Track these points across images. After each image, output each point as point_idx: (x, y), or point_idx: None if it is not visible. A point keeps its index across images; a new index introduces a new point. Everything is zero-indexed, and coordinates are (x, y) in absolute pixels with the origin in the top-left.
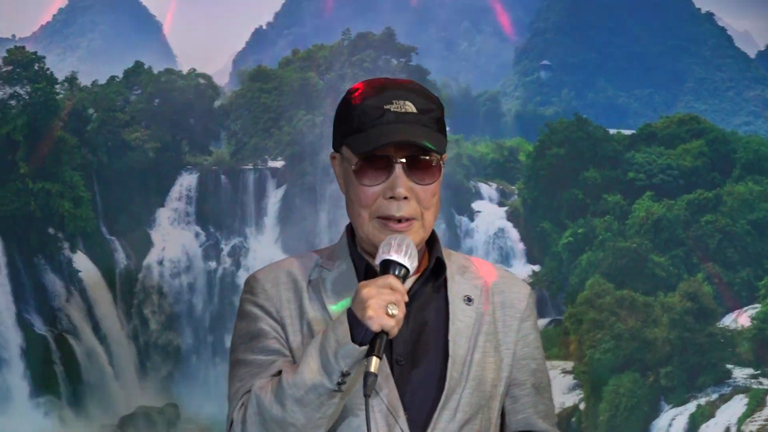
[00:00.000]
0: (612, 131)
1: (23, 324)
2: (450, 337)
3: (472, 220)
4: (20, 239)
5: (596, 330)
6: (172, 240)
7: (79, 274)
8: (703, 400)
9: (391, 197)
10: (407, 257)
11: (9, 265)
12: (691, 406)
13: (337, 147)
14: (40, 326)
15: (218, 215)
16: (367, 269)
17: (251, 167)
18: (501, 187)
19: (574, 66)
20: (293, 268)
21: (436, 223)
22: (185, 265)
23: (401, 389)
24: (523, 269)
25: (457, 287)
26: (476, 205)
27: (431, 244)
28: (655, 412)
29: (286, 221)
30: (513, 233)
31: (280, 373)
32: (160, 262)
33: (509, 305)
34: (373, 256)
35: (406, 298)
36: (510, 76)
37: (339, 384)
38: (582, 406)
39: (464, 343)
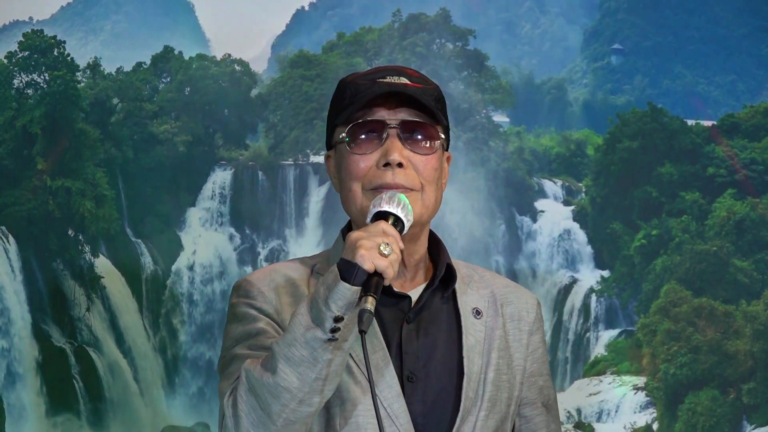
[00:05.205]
0: (690, 122)
1: (40, 335)
2: (464, 353)
3: (534, 220)
4: (37, 242)
5: (672, 342)
6: (204, 243)
7: (102, 280)
8: None
9: (385, 164)
10: (400, 208)
11: (24, 270)
12: None
13: (329, 139)
14: (58, 338)
15: (255, 215)
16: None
17: (291, 162)
18: (567, 184)
19: (649, 50)
20: (290, 272)
21: (496, 223)
22: (218, 271)
23: (413, 410)
24: (591, 274)
25: (466, 299)
26: (539, 204)
27: (436, 250)
28: None
29: (329, 222)
30: (580, 235)
31: None
32: (191, 267)
33: (518, 317)
34: None
35: (401, 245)
36: (577, 61)
37: (332, 331)
38: (655, 427)
39: (478, 359)
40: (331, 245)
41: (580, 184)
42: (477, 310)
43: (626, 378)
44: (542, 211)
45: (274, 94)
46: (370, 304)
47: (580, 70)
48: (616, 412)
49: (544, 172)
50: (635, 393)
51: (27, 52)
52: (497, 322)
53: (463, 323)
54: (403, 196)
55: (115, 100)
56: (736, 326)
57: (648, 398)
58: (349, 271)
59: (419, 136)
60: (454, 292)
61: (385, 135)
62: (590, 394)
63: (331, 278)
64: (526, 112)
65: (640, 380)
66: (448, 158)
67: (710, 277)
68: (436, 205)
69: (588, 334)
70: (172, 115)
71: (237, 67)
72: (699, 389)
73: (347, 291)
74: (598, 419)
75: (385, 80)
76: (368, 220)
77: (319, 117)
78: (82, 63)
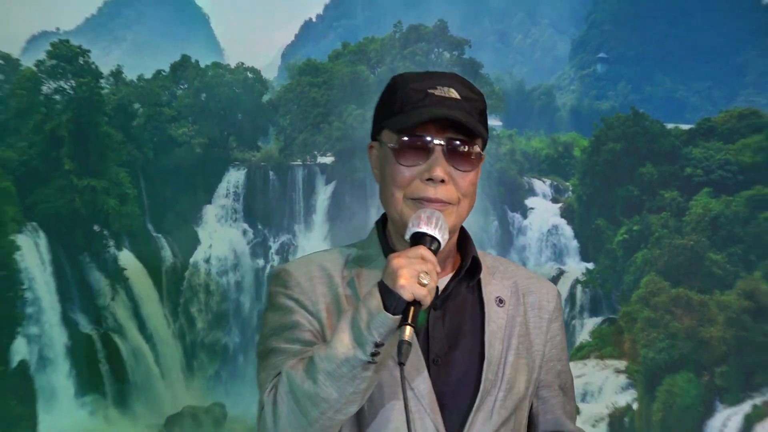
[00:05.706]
0: (669, 126)
1: (68, 323)
2: (486, 339)
3: (525, 216)
4: (65, 237)
5: (651, 329)
6: (220, 237)
7: (125, 272)
8: (758, 400)
9: (428, 179)
10: (437, 229)
11: (54, 262)
12: (746, 406)
13: (376, 134)
14: (85, 325)
15: (266, 212)
16: None
17: (300, 163)
18: (555, 183)
19: (632, 59)
20: (325, 262)
21: (489, 219)
22: (232, 263)
23: (438, 390)
24: (577, 267)
25: (490, 288)
26: (530, 202)
27: (464, 242)
28: (710, 412)
29: (335, 218)
30: (567, 230)
31: None
32: (207, 260)
33: (538, 306)
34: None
35: (438, 269)
36: (565, 69)
37: (372, 355)
38: (635, 406)
39: (498, 344)
40: (336, 239)
41: (568, 183)
42: (500, 299)
43: (609, 362)
44: (532, 209)
45: (283, 99)
46: (408, 334)
47: (568, 77)
48: (600, 393)
49: (534, 172)
50: (617, 376)
51: (54, 61)
52: (518, 310)
53: (486, 311)
54: (440, 215)
55: (137, 105)
56: (710, 315)
57: (629, 380)
58: (389, 299)
59: (462, 154)
60: (479, 282)
61: (431, 150)
62: (576, 377)
63: (374, 305)
64: (517, 117)
65: (622, 364)
66: (482, 158)
67: (687, 270)
68: (468, 212)
69: (574, 322)
70: (189, 120)
71: (249, 75)
72: (676, 372)
73: (388, 320)
74: (583, 400)
75: (435, 92)
76: (407, 236)
77: (325, 121)
78: (105, 71)
